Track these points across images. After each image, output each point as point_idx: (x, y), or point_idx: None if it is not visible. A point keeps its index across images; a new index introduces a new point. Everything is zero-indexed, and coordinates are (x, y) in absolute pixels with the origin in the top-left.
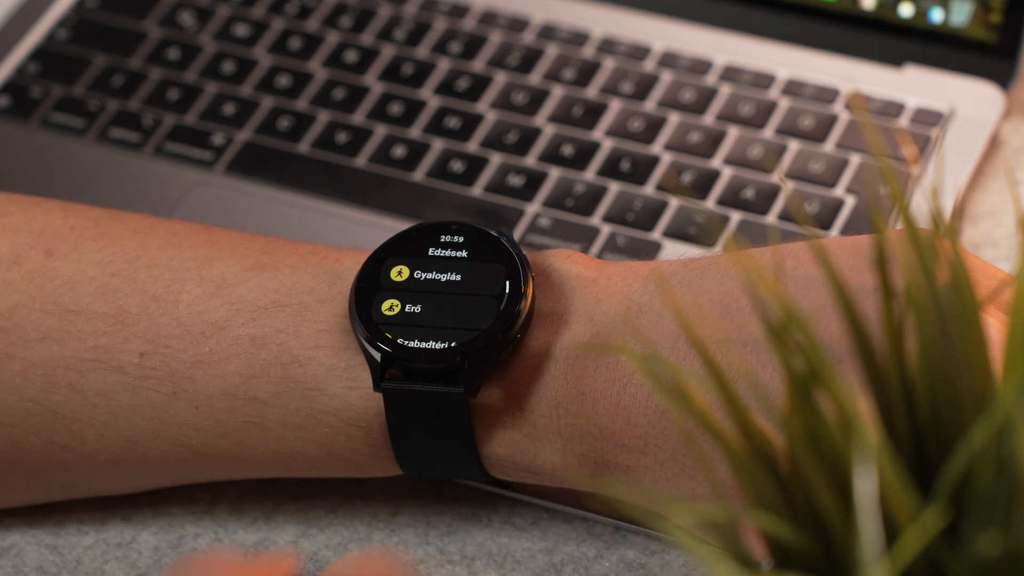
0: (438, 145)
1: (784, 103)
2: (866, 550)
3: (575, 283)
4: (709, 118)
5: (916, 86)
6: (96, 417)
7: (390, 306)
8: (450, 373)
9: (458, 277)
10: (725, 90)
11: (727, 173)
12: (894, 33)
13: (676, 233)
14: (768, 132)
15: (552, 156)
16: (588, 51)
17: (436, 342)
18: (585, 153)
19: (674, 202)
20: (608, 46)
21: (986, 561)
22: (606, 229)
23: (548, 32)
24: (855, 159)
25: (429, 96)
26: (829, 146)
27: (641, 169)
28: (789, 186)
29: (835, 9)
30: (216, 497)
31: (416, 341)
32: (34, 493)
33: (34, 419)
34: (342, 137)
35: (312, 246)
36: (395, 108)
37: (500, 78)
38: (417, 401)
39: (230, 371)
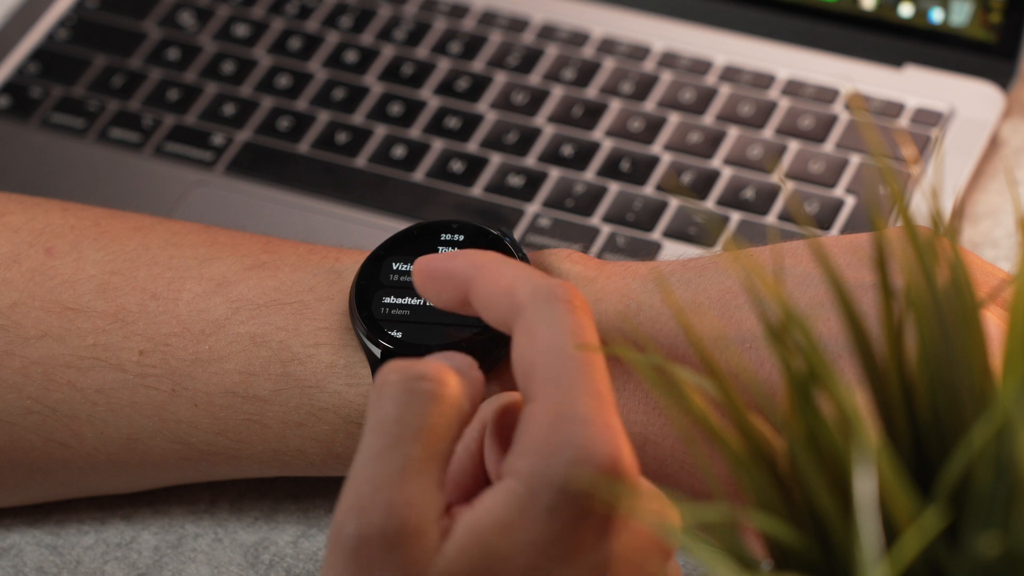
0: (438, 145)
1: (784, 103)
2: (866, 550)
3: (574, 282)
4: (709, 118)
5: (916, 86)
6: (96, 415)
7: (390, 304)
8: None
9: None
10: (725, 90)
11: (727, 173)
12: (894, 33)
13: (676, 233)
14: (768, 132)
15: (552, 156)
16: (588, 51)
17: (436, 340)
18: (585, 153)
19: (674, 202)
20: (608, 46)
21: (986, 561)
22: (606, 229)
23: (548, 32)
24: (855, 159)
25: (429, 96)
26: (829, 146)
27: (641, 169)
28: (789, 186)
29: (835, 9)
30: (216, 497)
31: (416, 338)
32: (33, 492)
33: (33, 417)
34: (342, 137)
35: (312, 246)
36: (395, 108)
37: (500, 78)
38: None
39: (230, 369)
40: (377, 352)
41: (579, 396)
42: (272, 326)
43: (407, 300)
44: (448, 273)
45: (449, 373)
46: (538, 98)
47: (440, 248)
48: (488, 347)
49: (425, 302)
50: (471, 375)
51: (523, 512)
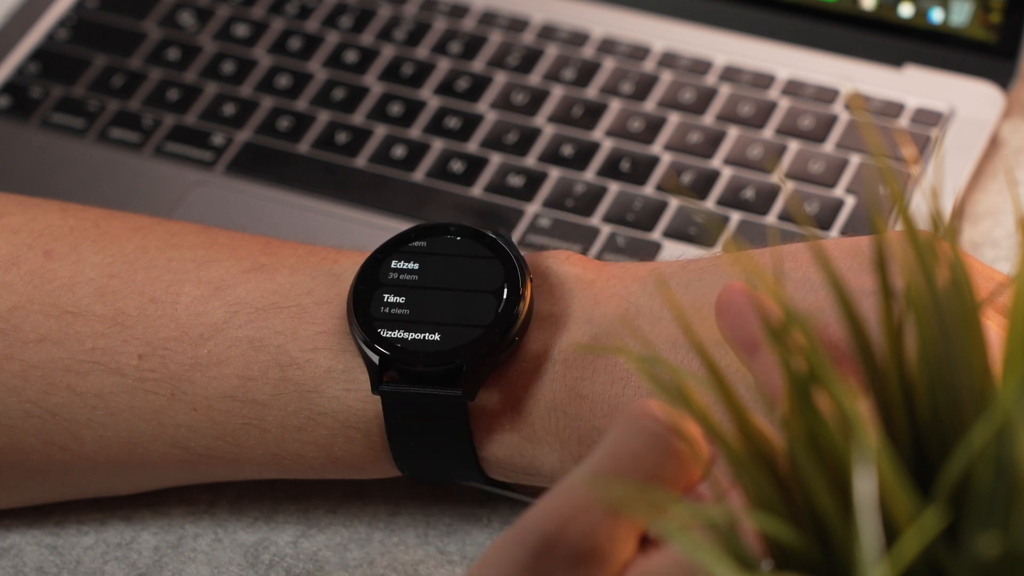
0: (438, 145)
1: (784, 103)
2: (866, 551)
3: (573, 285)
4: (709, 118)
5: (916, 86)
6: (95, 419)
7: (388, 308)
8: (449, 376)
9: (456, 279)
10: (725, 90)
11: (727, 173)
12: (894, 33)
13: (676, 233)
14: (768, 132)
15: (552, 156)
16: (588, 51)
17: (434, 344)
18: (585, 153)
19: (674, 202)
20: (608, 46)
21: (986, 561)
22: (606, 229)
23: (548, 32)
24: (855, 159)
25: (429, 96)
26: (829, 146)
27: (641, 169)
28: (789, 186)
29: (835, 9)
30: (216, 497)
31: (414, 343)
32: (33, 493)
33: (33, 420)
34: (342, 137)
35: (311, 247)
36: (395, 108)
37: (500, 78)
38: (416, 404)
39: (228, 373)
40: (375, 358)
41: None
42: (270, 330)
43: (406, 300)
44: (748, 321)
45: (704, 444)
46: (538, 98)
47: (438, 251)
48: (489, 351)
49: (424, 302)
50: (710, 447)
51: None
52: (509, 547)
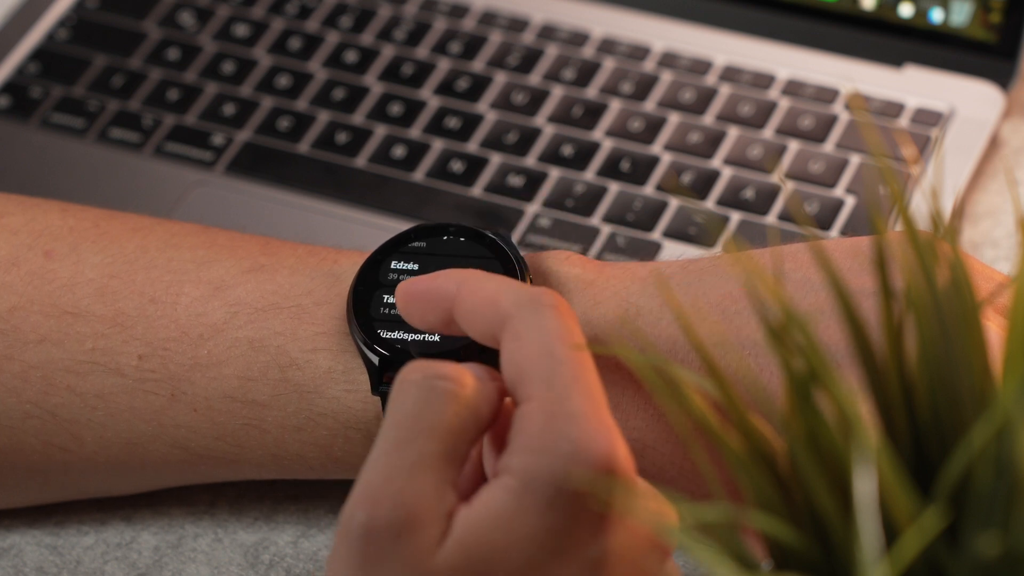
0: (438, 145)
1: (784, 103)
2: (866, 551)
3: (573, 285)
4: (709, 118)
5: (916, 86)
6: (95, 419)
7: (387, 308)
8: None
9: None
10: (725, 90)
11: (727, 173)
12: (894, 33)
13: (676, 233)
14: (768, 132)
15: (552, 156)
16: (588, 51)
17: (434, 345)
18: (585, 153)
19: (674, 202)
20: (608, 46)
21: (986, 561)
22: (606, 229)
23: (548, 32)
24: (855, 159)
25: (429, 96)
26: (829, 146)
27: (641, 169)
28: (789, 186)
29: (835, 9)
30: (216, 497)
31: (414, 344)
32: (33, 493)
33: (33, 421)
34: (342, 137)
35: (311, 247)
36: (395, 108)
37: (500, 78)
38: None
39: (228, 373)
40: (375, 359)
41: (572, 395)
42: (270, 331)
43: None
44: (431, 293)
45: (469, 376)
46: (538, 98)
47: (438, 251)
48: (485, 353)
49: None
50: (490, 385)
51: (519, 507)
52: (339, 549)
